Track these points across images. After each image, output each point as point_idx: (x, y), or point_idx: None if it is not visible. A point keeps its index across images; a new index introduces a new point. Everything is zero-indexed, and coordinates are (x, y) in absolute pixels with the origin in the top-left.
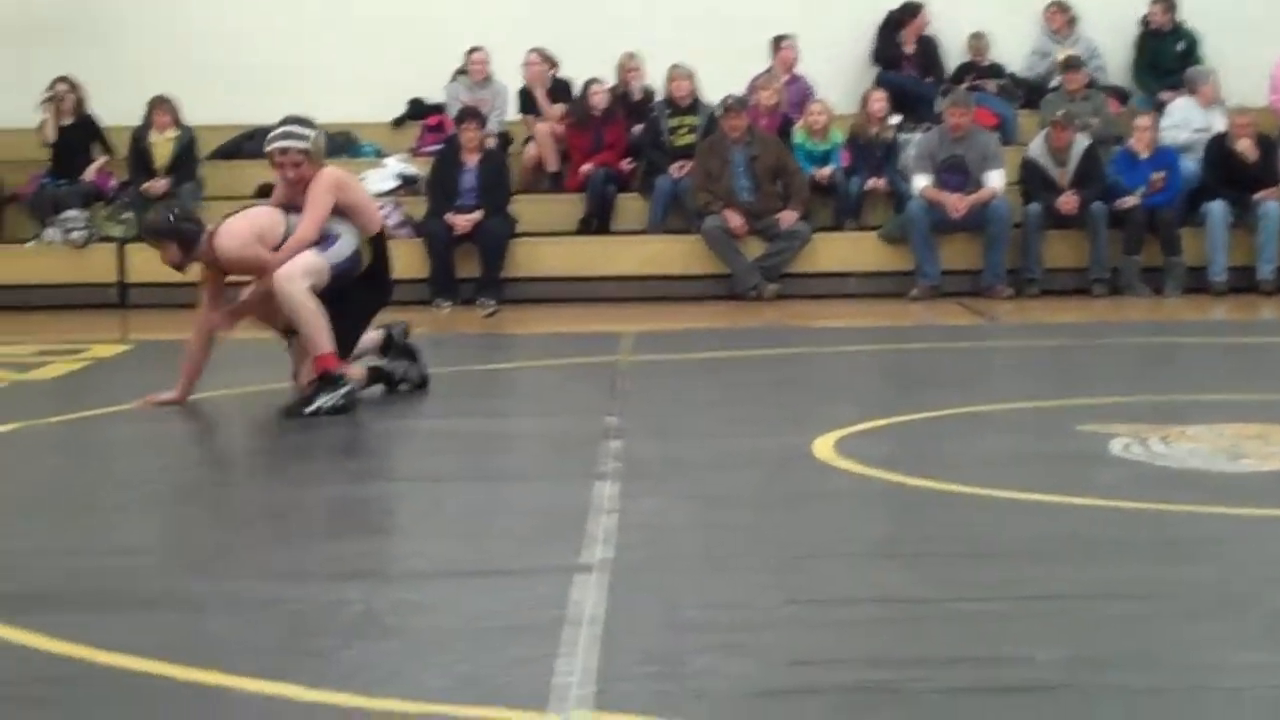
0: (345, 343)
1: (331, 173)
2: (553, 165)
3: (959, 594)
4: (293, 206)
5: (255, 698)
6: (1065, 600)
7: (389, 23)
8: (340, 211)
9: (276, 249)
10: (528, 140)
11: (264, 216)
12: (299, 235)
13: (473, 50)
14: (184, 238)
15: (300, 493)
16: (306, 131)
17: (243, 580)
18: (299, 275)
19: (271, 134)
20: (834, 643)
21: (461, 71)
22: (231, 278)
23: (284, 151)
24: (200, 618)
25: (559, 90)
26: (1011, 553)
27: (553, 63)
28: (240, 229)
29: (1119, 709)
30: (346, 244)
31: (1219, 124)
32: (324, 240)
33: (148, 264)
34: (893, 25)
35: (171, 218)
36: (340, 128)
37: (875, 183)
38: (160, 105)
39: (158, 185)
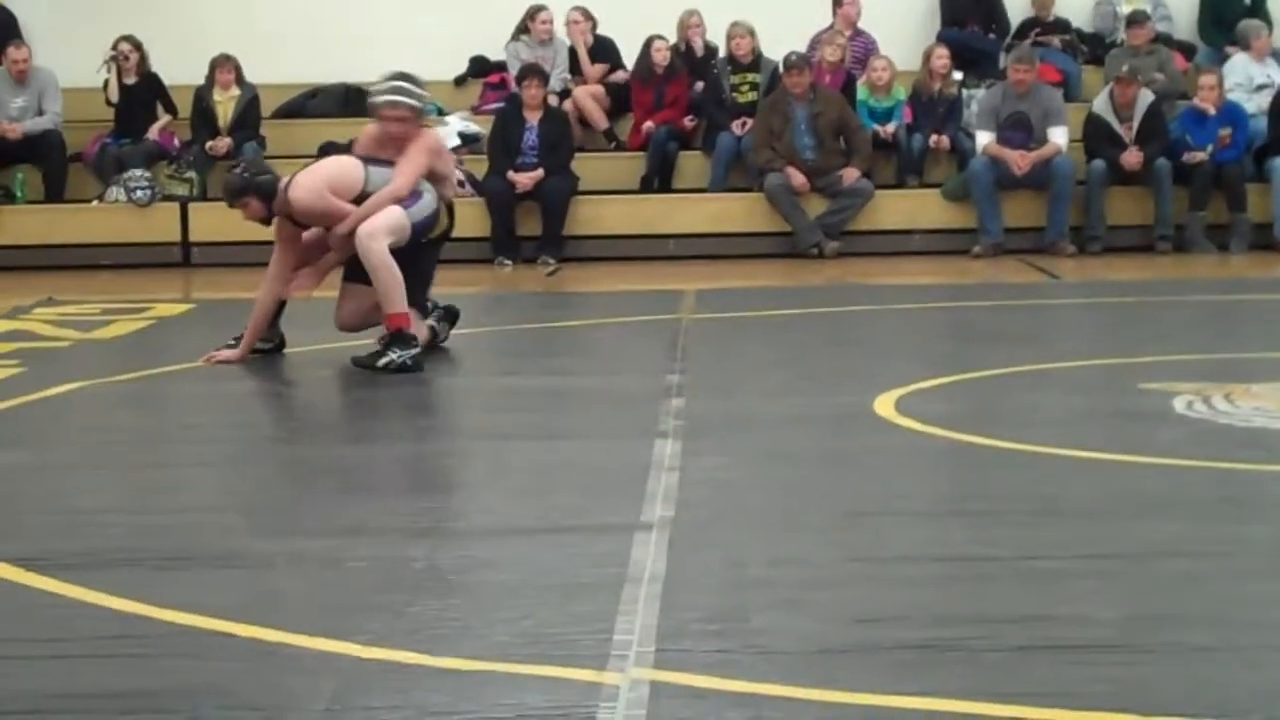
0: (414, 302)
1: (433, 134)
2: (601, 124)
3: (1021, 552)
4: (373, 159)
5: (318, 655)
6: (1127, 559)
7: None
8: (427, 175)
9: (356, 201)
10: (563, 98)
11: (339, 166)
12: (393, 189)
13: (538, 10)
14: (261, 190)
15: (364, 450)
16: (418, 90)
17: (307, 538)
18: (382, 233)
19: (380, 86)
20: (895, 601)
21: (523, 30)
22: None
23: (394, 105)
24: (265, 575)
25: (599, 49)
26: (1073, 511)
27: (593, 20)
28: (312, 181)
29: (1180, 667)
30: (428, 204)
31: (1278, 76)
32: (409, 197)
33: (211, 223)
34: None
35: (245, 174)
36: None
37: (938, 139)
38: (223, 64)
39: (221, 144)
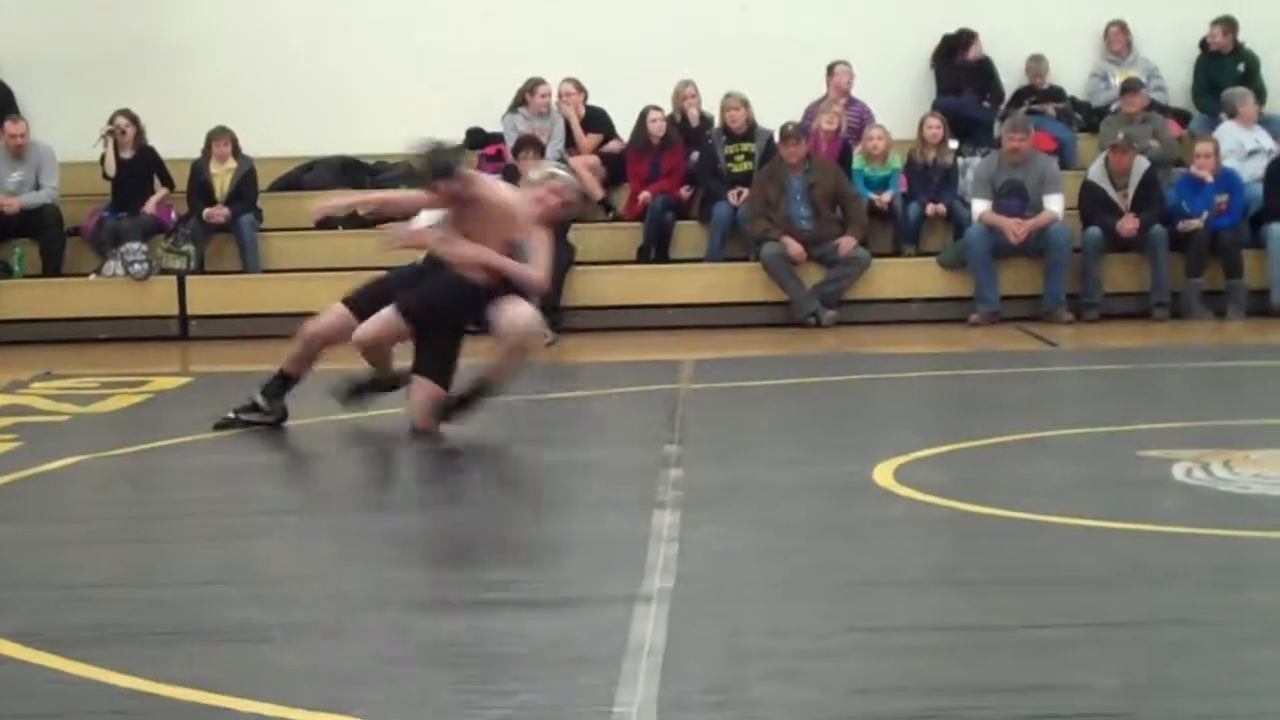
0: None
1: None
2: (597, 194)
3: (1021, 621)
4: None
5: None
6: (1127, 627)
7: (445, 53)
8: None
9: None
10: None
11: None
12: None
13: (537, 83)
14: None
15: (365, 521)
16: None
17: (307, 610)
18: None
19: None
20: (896, 671)
21: (520, 103)
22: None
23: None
24: (265, 649)
25: (592, 119)
26: (1073, 580)
27: (585, 91)
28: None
29: None
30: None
31: (1267, 143)
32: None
33: (208, 296)
34: (948, 50)
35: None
36: (399, 158)
37: (934, 208)
38: (220, 136)
39: (218, 212)
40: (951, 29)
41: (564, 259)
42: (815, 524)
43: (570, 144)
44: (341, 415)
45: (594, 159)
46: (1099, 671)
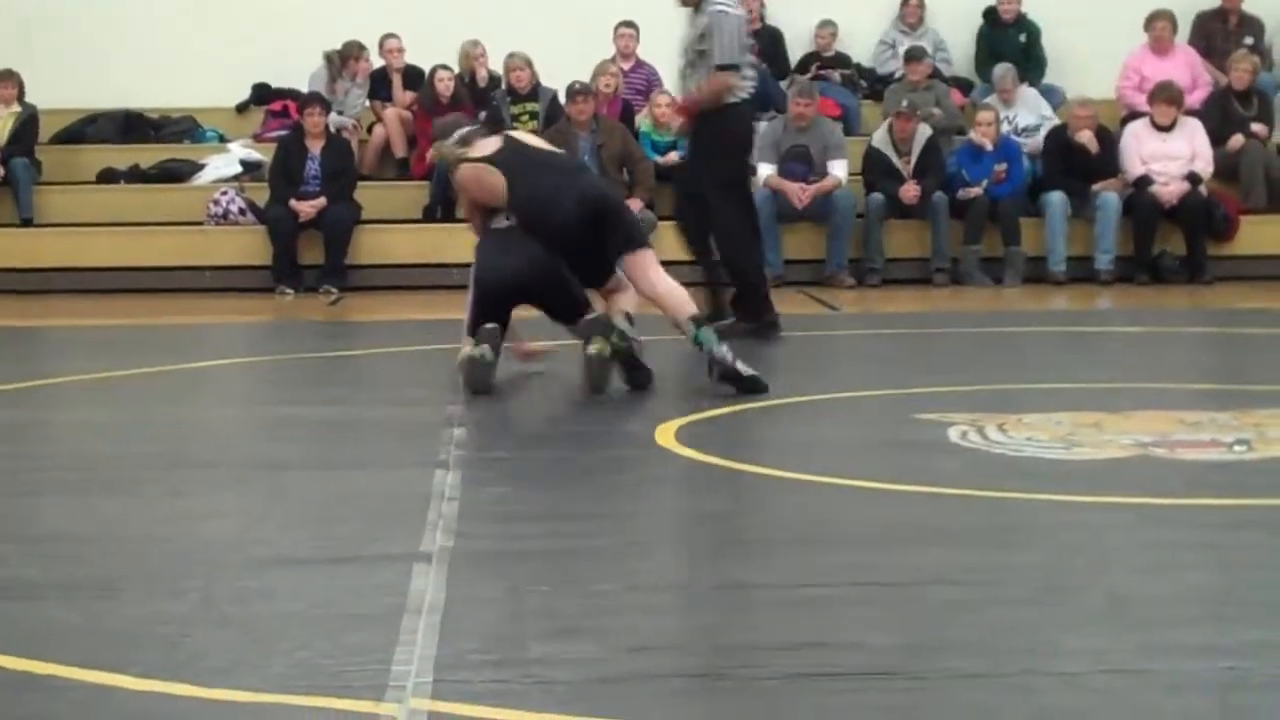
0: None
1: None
2: (400, 151)
3: (796, 580)
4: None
5: (89, 688)
6: (900, 587)
7: (233, 6)
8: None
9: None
10: (372, 125)
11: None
12: None
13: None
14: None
15: (139, 477)
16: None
17: (80, 567)
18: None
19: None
20: (672, 629)
21: (331, 60)
22: None
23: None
24: (36, 609)
25: (409, 77)
26: (847, 539)
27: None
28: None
29: (954, 693)
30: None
31: (1025, 119)
32: None
33: None
34: None
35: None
36: (183, 112)
37: None
38: (6, 79)
39: None
40: None
41: (349, 216)
42: (596, 483)
43: (387, 98)
44: (116, 371)
45: (406, 114)
46: (871, 629)
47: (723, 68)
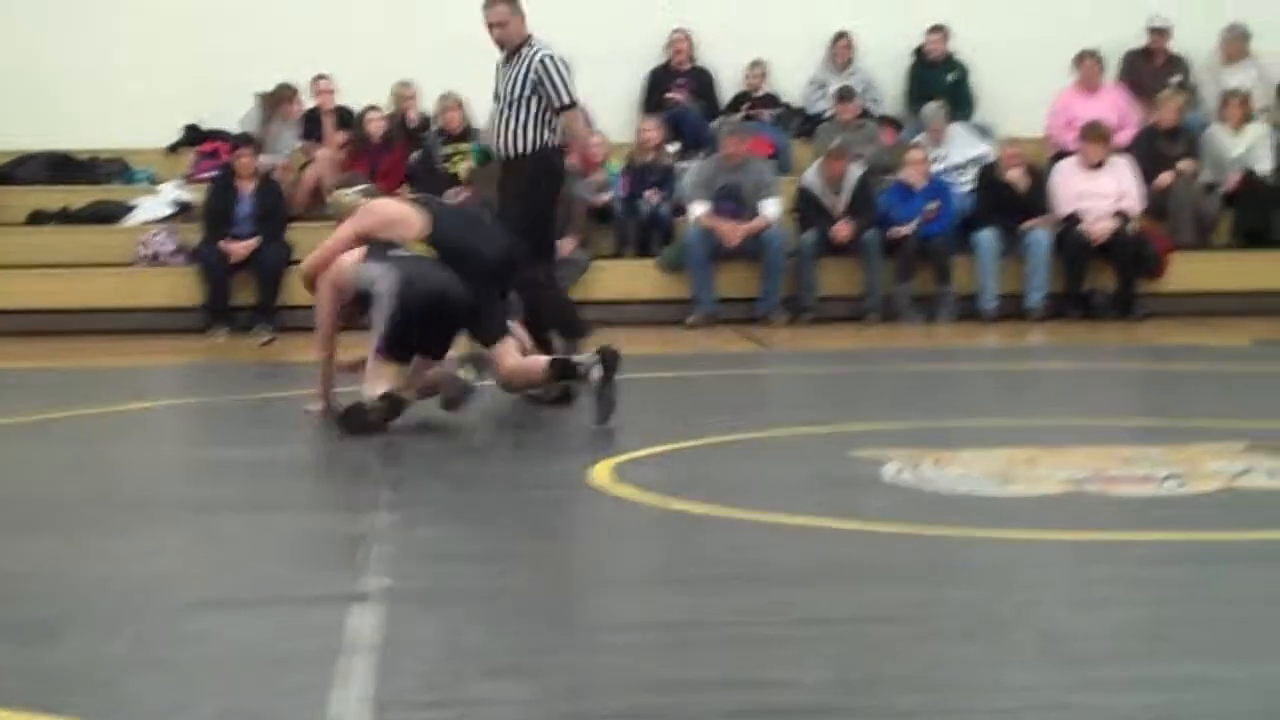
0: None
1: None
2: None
3: (730, 618)
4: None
5: None
6: (834, 624)
7: (166, 48)
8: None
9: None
10: (304, 166)
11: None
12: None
13: (294, 92)
14: None
15: (72, 518)
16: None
17: (13, 609)
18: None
19: None
20: (609, 668)
21: (263, 101)
22: None
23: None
24: None
25: (341, 117)
26: (782, 577)
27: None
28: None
29: None
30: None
31: (956, 157)
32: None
33: None
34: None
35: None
36: (114, 153)
37: (653, 194)
38: None
39: None
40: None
41: (282, 257)
42: (532, 522)
43: (317, 138)
44: (63, 412)
45: (340, 154)
46: (806, 667)
47: (567, 107)
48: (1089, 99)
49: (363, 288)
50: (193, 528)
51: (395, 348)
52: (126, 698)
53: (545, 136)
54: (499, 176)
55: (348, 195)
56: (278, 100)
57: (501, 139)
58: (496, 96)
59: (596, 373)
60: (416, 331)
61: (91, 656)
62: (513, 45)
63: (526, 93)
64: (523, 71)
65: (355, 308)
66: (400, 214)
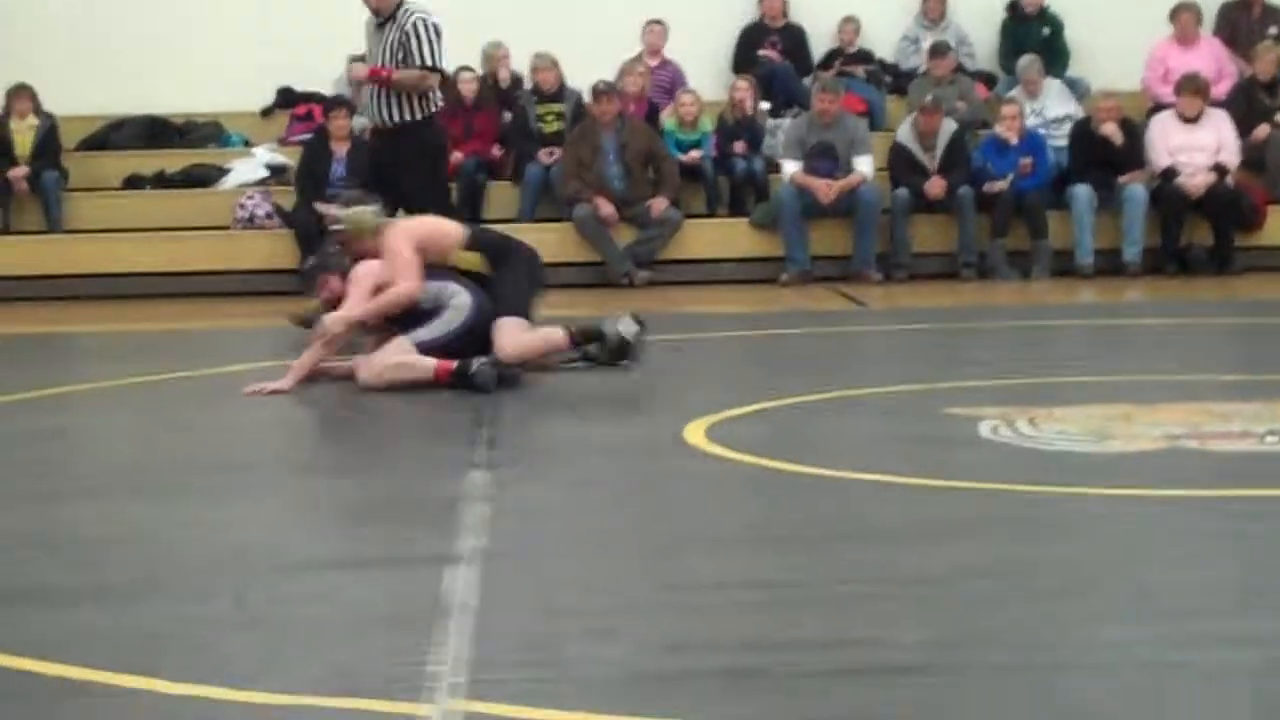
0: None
1: (398, 227)
2: None
3: (829, 577)
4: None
5: (124, 692)
6: (932, 582)
7: (257, 9)
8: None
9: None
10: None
11: (437, 226)
12: (398, 291)
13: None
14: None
15: (168, 482)
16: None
17: (111, 572)
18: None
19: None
20: (707, 627)
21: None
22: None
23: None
24: (68, 613)
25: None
26: (879, 535)
27: None
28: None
29: (988, 687)
30: (443, 322)
31: (1052, 111)
32: (424, 318)
33: (11, 257)
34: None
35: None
36: (207, 117)
37: (742, 146)
38: (19, 93)
39: (19, 173)
40: None
41: None
42: (627, 483)
43: None
44: (119, 380)
45: None
46: (903, 626)
47: (431, 70)
48: (1185, 51)
49: (427, 302)
50: (289, 490)
51: (431, 353)
52: (222, 659)
53: (426, 103)
54: (373, 145)
55: (367, 214)
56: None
57: (381, 107)
58: (366, 59)
59: (626, 327)
60: (460, 350)
61: (187, 618)
62: (388, 9)
63: (400, 56)
64: (397, 34)
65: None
66: (439, 222)
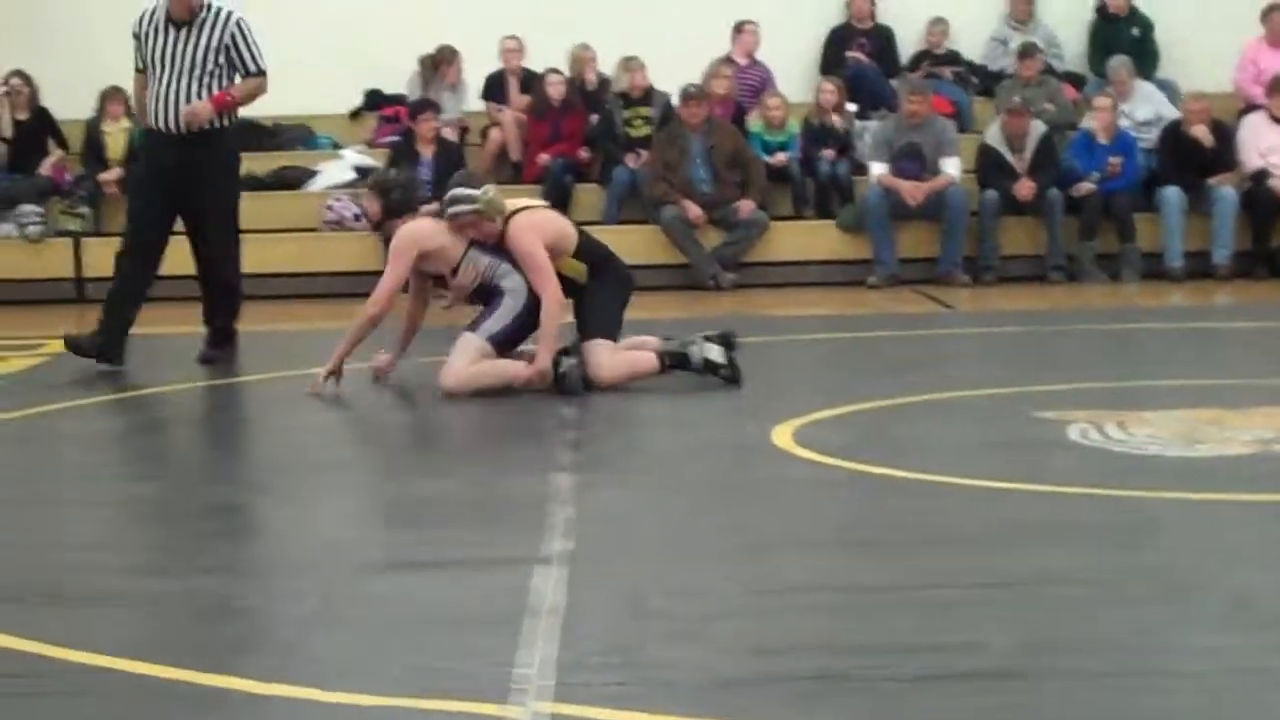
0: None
1: (413, 227)
2: (516, 154)
3: (916, 581)
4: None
5: (211, 690)
6: (1021, 586)
7: (345, 13)
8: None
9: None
10: (487, 129)
11: (558, 224)
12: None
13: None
14: (388, 202)
15: (254, 486)
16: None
17: (198, 576)
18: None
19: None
20: (793, 631)
21: (432, 70)
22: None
23: (454, 217)
24: (156, 613)
25: (525, 79)
26: (968, 540)
27: (523, 50)
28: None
29: (1077, 694)
30: (505, 310)
31: (1142, 113)
32: (490, 311)
33: (105, 258)
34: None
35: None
36: (297, 120)
37: (831, 154)
38: (113, 96)
39: (112, 176)
40: None
41: None
42: (714, 485)
43: (502, 100)
44: (228, 379)
45: (524, 117)
46: (992, 631)
47: (261, 74)
48: (1277, 52)
49: (490, 278)
50: (374, 490)
51: (505, 345)
52: (309, 658)
53: (233, 113)
54: (166, 155)
55: (492, 193)
56: (437, 62)
57: (177, 116)
58: (156, 65)
59: (711, 353)
60: (523, 334)
61: (274, 617)
62: (190, 9)
63: (221, 60)
64: (215, 38)
65: (460, 291)
66: (562, 224)
